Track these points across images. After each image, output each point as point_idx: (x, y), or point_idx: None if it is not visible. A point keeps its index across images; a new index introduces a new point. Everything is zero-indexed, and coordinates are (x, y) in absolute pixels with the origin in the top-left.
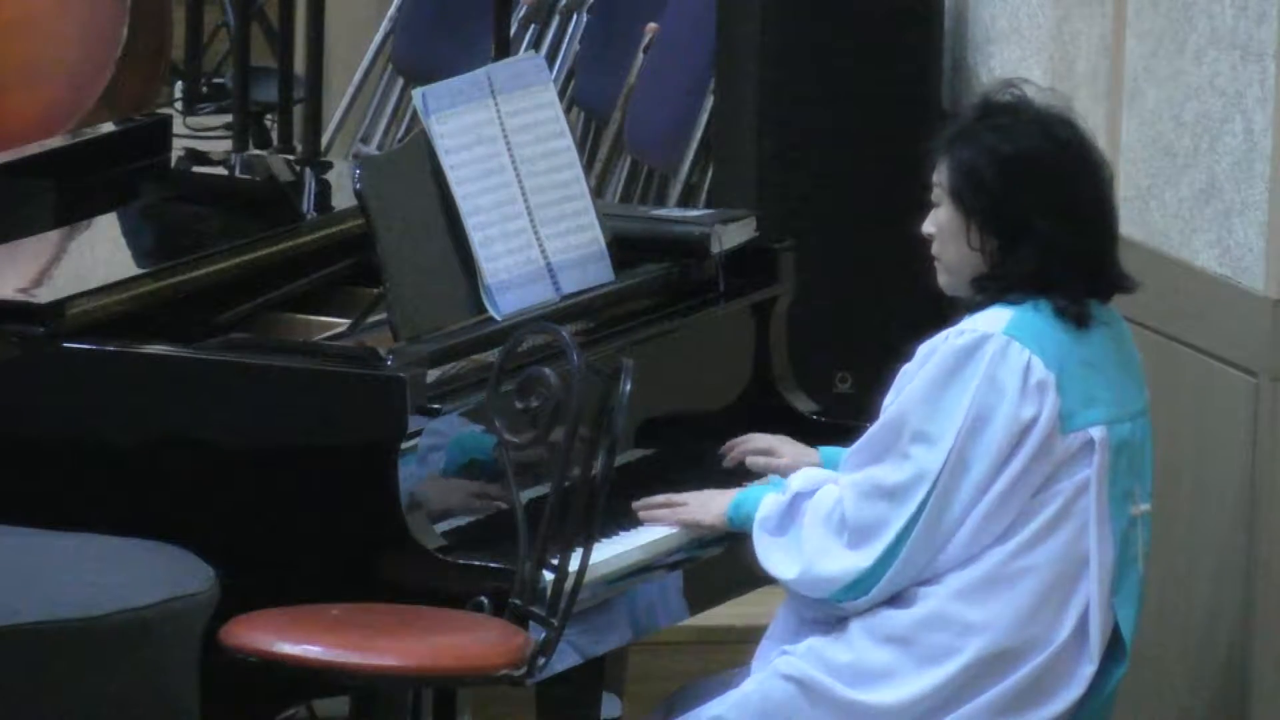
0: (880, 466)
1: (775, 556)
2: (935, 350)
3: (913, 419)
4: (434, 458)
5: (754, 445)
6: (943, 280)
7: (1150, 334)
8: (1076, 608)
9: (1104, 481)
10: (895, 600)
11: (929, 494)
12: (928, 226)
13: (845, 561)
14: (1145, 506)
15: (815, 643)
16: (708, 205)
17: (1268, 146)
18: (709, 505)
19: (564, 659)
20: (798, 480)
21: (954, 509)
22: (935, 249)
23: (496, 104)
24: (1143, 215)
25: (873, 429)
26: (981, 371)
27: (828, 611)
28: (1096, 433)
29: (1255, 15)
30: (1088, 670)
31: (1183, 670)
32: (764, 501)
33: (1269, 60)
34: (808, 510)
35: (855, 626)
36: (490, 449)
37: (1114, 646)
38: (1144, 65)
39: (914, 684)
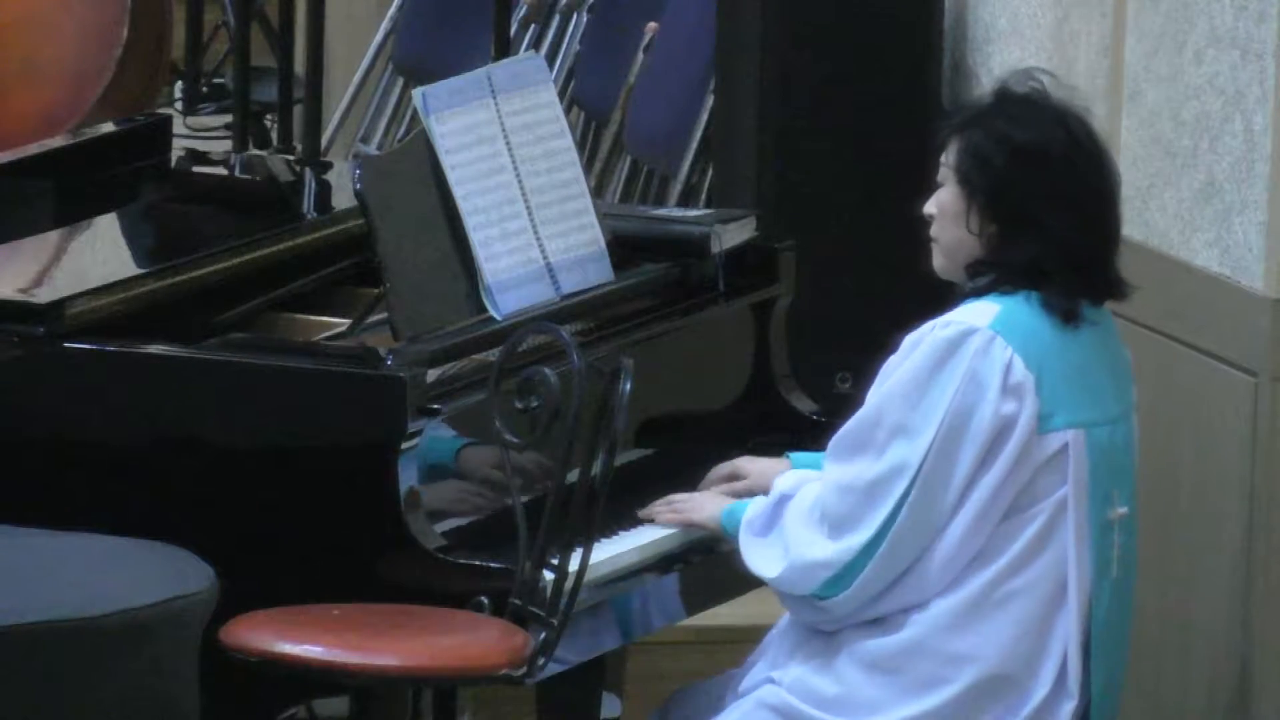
0: (859, 461)
1: (759, 555)
2: (920, 342)
3: (893, 412)
4: (434, 458)
5: (717, 474)
6: (937, 263)
7: (1149, 334)
8: (1063, 627)
9: (1083, 490)
10: (883, 625)
11: (910, 486)
12: (929, 207)
13: (827, 551)
14: (1124, 510)
15: (801, 672)
16: (708, 205)
17: (1268, 146)
18: (704, 506)
19: (564, 659)
20: (783, 482)
21: (938, 504)
22: (934, 230)
23: (496, 104)
24: (1142, 215)
25: (853, 420)
26: (965, 366)
27: (815, 618)
28: (1071, 436)
29: (1255, 15)
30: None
31: (1183, 671)
32: (751, 504)
33: (1269, 60)
34: (790, 508)
35: (843, 655)
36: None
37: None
38: (1144, 65)
39: (900, 712)
